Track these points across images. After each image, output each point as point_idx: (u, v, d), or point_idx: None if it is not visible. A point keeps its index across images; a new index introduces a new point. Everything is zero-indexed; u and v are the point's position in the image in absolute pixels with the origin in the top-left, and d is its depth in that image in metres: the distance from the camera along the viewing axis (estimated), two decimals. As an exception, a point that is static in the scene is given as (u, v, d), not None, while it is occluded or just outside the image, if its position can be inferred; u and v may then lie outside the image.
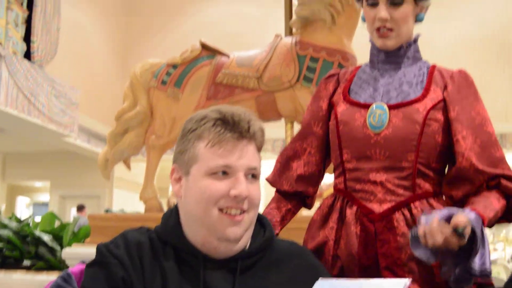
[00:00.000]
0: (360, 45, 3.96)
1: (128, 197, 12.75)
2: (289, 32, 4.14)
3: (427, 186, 1.88)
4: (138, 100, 4.26)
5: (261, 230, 1.61)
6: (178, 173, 1.55)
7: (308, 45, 3.89)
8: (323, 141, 2.06)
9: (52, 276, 3.98)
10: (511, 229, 12.62)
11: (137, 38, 13.72)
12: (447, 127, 1.89)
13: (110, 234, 1.55)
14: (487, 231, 1.74)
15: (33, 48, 9.71)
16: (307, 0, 3.89)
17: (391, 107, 1.89)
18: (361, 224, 1.86)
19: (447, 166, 1.95)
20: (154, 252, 1.50)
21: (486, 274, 1.64)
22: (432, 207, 1.85)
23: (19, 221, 5.60)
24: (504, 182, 1.81)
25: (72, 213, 13.10)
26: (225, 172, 1.48)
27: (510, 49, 11.98)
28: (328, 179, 2.28)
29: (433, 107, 1.88)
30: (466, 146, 1.84)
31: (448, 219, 1.61)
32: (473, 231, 1.61)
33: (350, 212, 1.90)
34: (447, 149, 1.90)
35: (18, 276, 4.81)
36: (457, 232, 1.57)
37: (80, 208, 11.47)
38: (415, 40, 1.99)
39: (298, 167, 2.07)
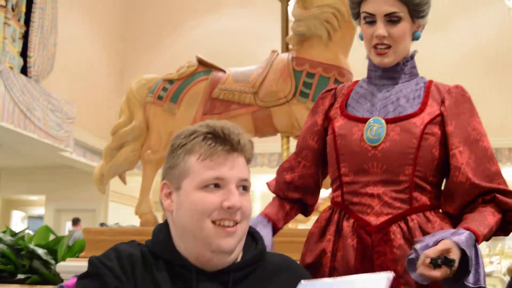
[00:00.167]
0: (356, 60, 3.99)
1: (123, 211, 12.71)
2: (285, 48, 4.17)
3: (424, 199, 1.90)
4: (134, 115, 4.27)
5: (253, 243, 1.62)
6: (168, 188, 1.57)
7: (304, 61, 3.91)
8: (318, 155, 2.09)
9: (47, 291, 3.97)
10: (506, 242, 12.63)
11: (133, 54, 13.75)
12: (444, 141, 1.91)
13: (105, 248, 1.55)
14: (482, 244, 1.76)
15: (30, 63, 9.73)
16: (303, 16, 3.91)
17: (388, 121, 1.91)
18: (358, 236, 1.87)
19: (445, 180, 1.96)
20: (146, 265, 1.51)
21: None
22: (428, 220, 1.87)
23: (13, 234, 5.58)
24: (499, 196, 1.82)
25: (67, 227, 13.06)
26: (217, 185, 1.50)
27: (506, 63, 12.03)
28: (323, 193, 2.30)
29: (430, 121, 1.90)
30: (463, 160, 1.86)
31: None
32: (464, 252, 1.64)
33: (347, 225, 1.91)
34: (444, 163, 1.92)
35: (12, 290, 4.79)
36: (439, 263, 1.61)
37: (75, 222, 11.44)
38: (412, 57, 2.02)
39: (293, 179, 2.10)
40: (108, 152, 4.41)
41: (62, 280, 3.98)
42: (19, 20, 9.70)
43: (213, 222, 1.49)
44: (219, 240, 1.48)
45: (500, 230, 1.85)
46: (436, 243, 1.66)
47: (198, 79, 4.13)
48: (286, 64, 3.96)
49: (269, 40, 7.98)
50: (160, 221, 4.29)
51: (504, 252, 11.99)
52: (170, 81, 4.19)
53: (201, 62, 4.19)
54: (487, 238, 1.79)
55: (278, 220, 2.05)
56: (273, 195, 2.18)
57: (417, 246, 1.68)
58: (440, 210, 1.94)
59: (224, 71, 4.13)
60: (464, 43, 12.13)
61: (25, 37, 9.78)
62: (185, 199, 1.51)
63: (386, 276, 1.45)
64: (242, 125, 3.83)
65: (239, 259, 1.56)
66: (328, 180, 2.09)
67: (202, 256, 1.50)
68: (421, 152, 1.88)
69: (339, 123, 2.00)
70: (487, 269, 9.62)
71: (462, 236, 1.68)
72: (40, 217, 15.46)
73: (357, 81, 2.13)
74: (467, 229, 1.72)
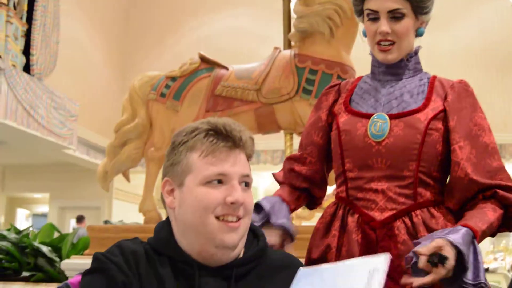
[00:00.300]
0: (358, 57, 3.99)
1: (127, 208, 12.73)
2: (288, 45, 4.18)
3: (428, 194, 1.90)
4: (137, 112, 4.28)
5: (254, 240, 1.63)
6: (170, 185, 1.57)
7: (307, 57, 3.92)
8: (323, 150, 2.10)
9: (51, 288, 3.99)
10: (511, 239, 12.62)
11: (136, 51, 13.76)
12: (447, 137, 1.91)
13: (109, 246, 1.56)
14: (486, 241, 1.76)
15: (32, 61, 9.73)
16: (305, 13, 3.92)
17: (392, 117, 1.92)
18: (362, 231, 1.88)
19: (449, 175, 1.97)
20: (149, 261, 1.51)
21: (481, 286, 1.67)
22: (433, 216, 1.87)
23: (18, 232, 5.59)
24: (500, 192, 1.82)
25: (71, 224, 13.08)
26: (220, 181, 1.51)
27: (509, 59, 12.01)
28: (327, 190, 2.31)
29: (434, 116, 1.90)
30: (463, 156, 1.86)
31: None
32: (460, 252, 1.64)
33: (351, 220, 1.92)
34: (447, 158, 1.92)
35: (17, 287, 4.80)
36: (435, 261, 1.61)
37: (80, 219, 11.46)
38: (416, 52, 2.02)
39: (302, 170, 2.11)
40: (112, 149, 4.42)
41: (66, 278, 3.99)
42: (21, 18, 9.70)
43: (217, 217, 1.49)
44: (222, 235, 1.49)
45: (504, 226, 1.85)
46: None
47: (201, 76, 4.14)
48: (288, 61, 3.96)
49: (272, 39, 7.99)
50: (164, 218, 4.31)
51: (508, 249, 11.98)
52: (173, 78, 4.19)
53: (203, 59, 4.20)
54: (488, 234, 1.79)
55: (291, 202, 2.06)
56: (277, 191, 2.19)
57: (414, 249, 1.68)
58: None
59: (226, 68, 4.14)
60: (467, 39, 12.11)
61: (27, 35, 9.78)
62: (188, 195, 1.52)
63: (384, 257, 1.47)
64: (245, 122, 3.89)
65: (241, 255, 1.57)
66: (332, 176, 2.10)
67: (205, 251, 1.51)
68: (425, 147, 1.88)
69: (343, 118, 2.00)
70: (492, 265, 9.61)
71: (457, 233, 1.68)
72: (44, 215, 15.49)
73: (361, 77, 2.13)
74: (465, 225, 1.72)
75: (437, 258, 1.61)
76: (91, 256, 1.52)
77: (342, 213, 1.96)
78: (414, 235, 1.83)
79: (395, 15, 1.91)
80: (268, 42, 6.89)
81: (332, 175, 2.11)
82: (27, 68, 9.62)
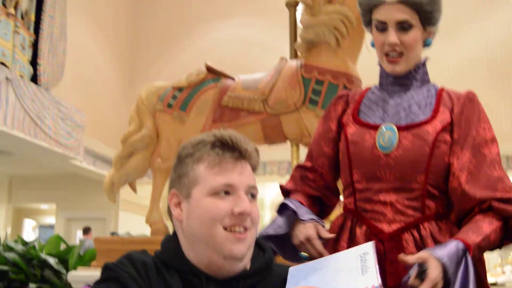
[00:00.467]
0: (364, 67, 3.98)
1: (134, 220, 12.74)
2: (294, 55, 4.17)
3: (436, 207, 1.90)
4: (144, 123, 4.28)
5: (260, 252, 1.63)
6: (177, 197, 1.57)
7: (313, 68, 3.91)
8: (334, 161, 2.10)
9: (58, 300, 3.98)
10: (519, 252, 12.54)
11: (143, 62, 13.80)
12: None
13: (116, 257, 1.55)
14: (494, 254, 1.75)
15: (40, 71, 9.76)
16: (312, 23, 3.91)
17: (400, 128, 1.92)
18: None
19: None
20: (158, 272, 1.51)
21: None
22: (440, 229, 1.87)
23: (25, 243, 5.60)
24: (496, 204, 1.80)
25: (78, 236, 13.09)
26: (227, 192, 1.51)
27: (514, 69, 12.00)
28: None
29: (442, 129, 1.90)
30: (458, 166, 1.86)
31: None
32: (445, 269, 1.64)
33: (359, 232, 1.92)
34: None
35: (23, 299, 4.80)
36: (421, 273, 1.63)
37: (86, 231, 11.47)
38: (424, 63, 2.02)
39: (314, 179, 2.11)
40: (118, 160, 4.42)
41: (73, 289, 3.99)
42: (28, 28, 9.74)
43: (224, 228, 1.49)
44: (231, 246, 1.49)
45: (508, 238, 1.84)
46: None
47: (207, 87, 4.14)
48: (295, 71, 3.96)
49: (278, 49, 7.99)
50: (171, 230, 4.31)
51: (516, 262, 11.90)
52: (180, 89, 4.20)
53: (210, 69, 4.20)
54: (486, 247, 1.78)
55: (308, 206, 2.04)
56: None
57: (400, 256, 1.70)
58: None
59: (233, 79, 4.14)
60: (472, 50, 12.10)
61: (35, 45, 9.82)
62: (196, 206, 1.51)
63: (370, 243, 1.53)
64: (251, 132, 3.88)
65: (248, 267, 1.57)
66: (341, 185, 2.10)
67: (213, 263, 1.50)
68: (433, 160, 1.88)
69: (352, 129, 2.00)
70: (500, 279, 9.53)
71: (444, 248, 1.67)
72: (51, 226, 15.50)
73: (369, 88, 2.13)
74: (457, 239, 1.72)
75: (419, 269, 1.63)
76: (98, 268, 1.51)
77: (350, 225, 1.96)
78: (422, 248, 1.82)
79: (403, 26, 1.92)
80: (275, 52, 6.90)
81: (340, 184, 2.11)
82: (34, 78, 9.65)
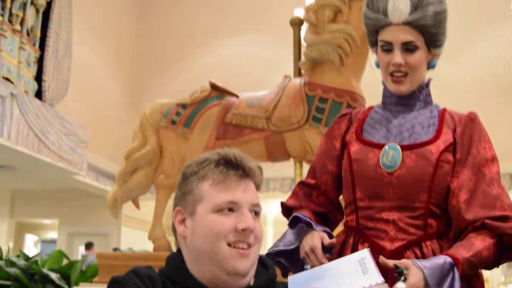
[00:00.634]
0: (368, 85, 4.00)
1: (136, 235, 12.71)
2: (298, 73, 4.19)
3: (438, 226, 1.92)
4: (147, 139, 4.29)
5: (264, 269, 1.64)
6: (182, 215, 1.59)
7: (317, 86, 3.93)
8: (337, 179, 2.12)
9: (60, 316, 3.97)
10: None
11: (147, 78, 13.85)
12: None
13: (118, 273, 1.56)
14: (498, 271, 1.76)
15: (44, 87, 9.81)
16: (315, 41, 3.93)
17: (404, 148, 1.94)
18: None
19: None
20: (165, 287, 1.52)
21: None
22: (442, 248, 1.88)
23: (27, 259, 5.59)
24: (488, 222, 1.82)
25: (80, 251, 13.06)
26: (230, 209, 1.53)
27: (518, 88, 12.01)
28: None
29: (445, 149, 1.93)
30: (457, 184, 1.89)
31: None
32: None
33: (362, 249, 1.91)
34: None
35: (25, 315, 4.78)
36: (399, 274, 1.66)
37: (89, 246, 11.45)
38: (427, 84, 2.05)
39: (319, 196, 2.12)
40: (122, 176, 4.43)
41: (74, 305, 3.98)
42: (34, 44, 9.80)
43: (228, 244, 1.51)
44: (234, 262, 1.50)
45: (503, 256, 1.85)
46: None
47: (211, 104, 4.15)
48: (298, 89, 3.97)
49: (282, 66, 8.02)
50: (173, 246, 4.30)
51: (520, 280, 11.83)
52: (184, 106, 4.21)
53: (214, 86, 4.21)
54: (478, 263, 1.79)
55: (315, 221, 2.06)
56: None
57: (380, 259, 1.72)
58: None
59: (237, 96, 4.15)
60: (476, 67, 12.13)
61: (40, 61, 9.87)
62: (200, 223, 1.53)
63: (365, 250, 1.58)
64: (255, 150, 3.89)
65: (251, 283, 1.58)
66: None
67: (217, 278, 1.52)
68: (436, 179, 1.90)
69: (355, 147, 2.03)
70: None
71: (429, 261, 1.70)
72: (53, 241, 15.47)
73: (372, 107, 2.16)
74: (445, 254, 1.74)
75: (398, 271, 1.66)
76: (100, 284, 1.52)
77: (353, 242, 1.98)
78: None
79: (409, 47, 1.95)
80: (279, 70, 6.92)
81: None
82: (39, 94, 9.70)
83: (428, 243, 1.89)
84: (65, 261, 5.65)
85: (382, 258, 1.69)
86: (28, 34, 9.65)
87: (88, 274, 5.07)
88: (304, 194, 2.14)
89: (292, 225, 2.03)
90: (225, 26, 13.55)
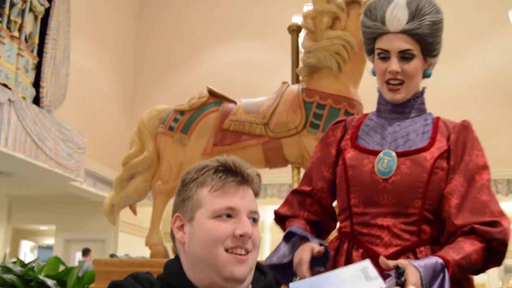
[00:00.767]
0: (366, 91, 4.00)
1: (133, 241, 12.69)
2: (296, 79, 4.19)
3: (431, 231, 1.94)
4: (145, 145, 4.29)
5: (261, 276, 1.65)
6: (181, 221, 1.60)
7: (314, 92, 3.93)
8: (333, 186, 2.13)
9: (56, 322, 3.95)
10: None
11: (145, 85, 13.85)
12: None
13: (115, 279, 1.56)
14: (495, 277, 1.78)
15: (42, 93, 9.82)
16: (313, 48, 3.94)
17: (399, 155, 1.96)
18: None
19: None
20: None
21: None
22: (435, 252, 1.89)
23: (23, 265, 5.57)
24: (478, 227, 1.84)
25: (77, 257, 13.03)
26: (229, 215, 1.54)
27: (515, 94, 12.04)
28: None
29: (440, 156, 1.95)
30: (449, 189, 1.92)
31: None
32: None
33: (356, 255, 1.96)
34: None
35: (21, 321, 4.76)
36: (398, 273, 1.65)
37: (86, 252, 11.43)
38: (422, 93, 2.08)
39: (313, 204, 2.13)
40: (119, 182, 4.42)
41: (71, 311, 3.96)
42: (32, 51, 9.81)
43: (226, 250, 1.52)
44: (232, 267, 1.51)
45: (491, 261, 1.87)
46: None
47: (209, 110, 4.15)
48: (296, 95, 3.97)
49: (280, 72, 8.03)
50: (170, 252, 4.29)
51: (517, 285, 11.83)
52: (181, 112, 4.21)
53: (211, 93, 4.22)
54: (467, 267, 1.81)
55: (309, 231, 2.06)
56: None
57: (381, 259, 1.73)
58: None
59: (235, 102, 4.15)
60: (473, 74, 12.16)
61: (38, 67, 9.89)
62: (198, 228, 1.54)
63: (367, 260, 1.60)
64: (252, 156, 3.89)
65: None
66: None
67: (215, 284, 1.52)
68: (430, 186, 1.92)
69: (350, 154, 2.04)
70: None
71: (422, 260, 1.73)
72: (50, 247, 15.44)
73: (366, 114, 2.18)
74: (436, 256, 1.77)
75: (398, 270, 1.66)
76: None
77: (347, 248, 2.00)
78: None
79: (405, 56, 1.98)
80: (276, 76, 6.94)
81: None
82: (36, 100, 9.70)
83: (422, 249, 1.91)
84: (61, 268, 5.63)
85: (382, 258, 1.70)
86: (26, 40, 9.67)
87: (85, 281, 5.05)
88: (298, 202, 2.15)
89: (286, 238, 2.03)
90: (223, 33, 13.57)
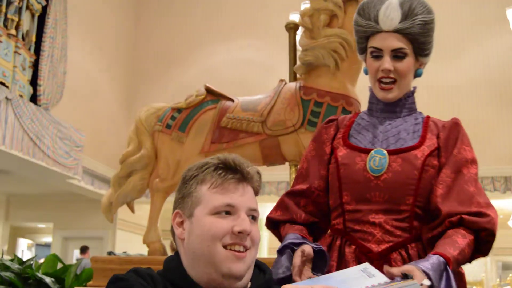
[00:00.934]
0: (364, 89, 4.00)
1: (131, 239, 12.71)
2: (293, 77, 4.19)
3: (422, 227, 1.97)
4: (142, 143, 4.28)
5: (261, 273, 1.66)
6: (181, 217, 1.62)
7: (312, 90, 3.93)
8: (328, 183, 2.14)
9: (54, 320, 3.96)
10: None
11: (142, 83, 13.85)
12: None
13: (113, 277, 1.56)
14: (493, 274, 1.79)
15: (40, 91, 9.81)
16: (311, 46, 3.94)
17: (390, 153, 2.00)
18: (359, 262, 1.93)
19: None
20: (165, 287, 1.54)
21: None
22: (426, 248, 1.93)
23: (21, 262, 5.57)
24: (466, 217, 1.86)
25: (75, 255, 13.04)
26: (228, 212, 1.55)
27: (514, 92, 12.06)
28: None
29: (430, 153, 2.00)
30: (437, 181, 1.95)
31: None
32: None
33: (348, 251, 1.99)
34: None
35: (19, 319, 4.76)
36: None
37: (83, 250, 11.44)
38: (413, 92, 2.13)
39: (307, 205, 2.15)
40: (117, 180, 4.42)
41: (69, 309, 3.96)
42: (29, 49, 9.80)
43: (224, 247, 1.53)
44: (230, 264, 1.52)
45: (477, 251, 1.90)
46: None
47: (207, 108, 4.15)
48: (294, 93, 3.97)
49: (277, 70, 8.03)
50: (168, 249, 4.30)
51: (515, 281, 11.85)
52: (179, 110, 4.21)
53: (209, 91, 4.21)
54: (462, 261, 1.84)
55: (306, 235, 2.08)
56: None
57: (386, 268, 1.72)
58: None
59: (232, 100, 4.15)
60: (471, 72, 12.17)
61: (35, 65, 9.88)
62: (197, 224, 1.56)
63: (366, 263, 1.60)
64: (250, 153, 3.89)
65: (248, 286, 1.60)
66: None
67: (213, 280, 1.53)
68: (421, 183, 1.96)
69: (342, 152, 2.08)
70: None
71: (427, 261, 1.73)
72: (47, 245, 15.44)
73: (358, 113, 2.23)
74: (436, 254, 1.77)
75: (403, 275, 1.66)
76: (94, 288, 1.52)
77: (339, 244, 2.03)
78: None
79: (398, 54, 2.03)
80: (274, 74, 6.93)
81: None
82: (34, 99, 9.70)
83: (413, 244, 1.95)
84: (59, 265, 5.63)
85: (386, 267, 1.70)
86: (23, 38, 9.66)
87: (83, 278, 5.05)
88: (292, 205, 2.17)
89: (284, 251, 2.01)
90: (220, 31, 13.56)
